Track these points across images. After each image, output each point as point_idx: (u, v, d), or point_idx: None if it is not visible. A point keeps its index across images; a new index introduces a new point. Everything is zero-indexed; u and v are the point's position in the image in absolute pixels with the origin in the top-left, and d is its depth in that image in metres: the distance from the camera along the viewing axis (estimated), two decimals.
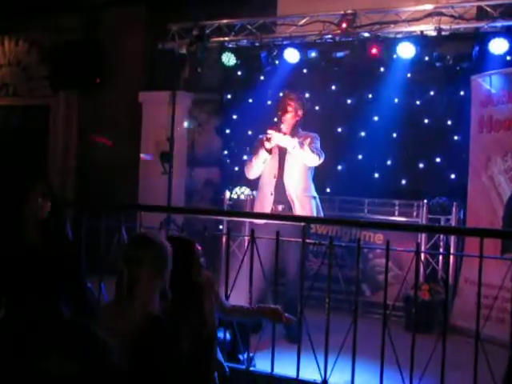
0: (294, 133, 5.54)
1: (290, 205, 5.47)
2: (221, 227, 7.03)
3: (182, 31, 7.88)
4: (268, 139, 5.43)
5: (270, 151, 5.48)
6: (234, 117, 8.21)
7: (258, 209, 5.65)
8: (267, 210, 5.50)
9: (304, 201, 5.48)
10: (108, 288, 4.75)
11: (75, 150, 9.48)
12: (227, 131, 8.28)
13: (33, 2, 8.83)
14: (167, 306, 2.89)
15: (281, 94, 6.03)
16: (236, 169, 7.92)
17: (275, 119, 5.74)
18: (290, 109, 5.55)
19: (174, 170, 6.91)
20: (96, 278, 4.70)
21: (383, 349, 4.00)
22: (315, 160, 5.45)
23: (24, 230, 3.21)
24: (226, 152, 8.31)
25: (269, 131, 5.44)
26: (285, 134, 5.47)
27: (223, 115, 8.42)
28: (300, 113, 5.62)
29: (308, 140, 5.50)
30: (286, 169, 5.52)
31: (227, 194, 7.37)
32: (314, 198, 5.60)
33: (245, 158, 7.21)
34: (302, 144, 5.41)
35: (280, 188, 5.51)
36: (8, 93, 10.13)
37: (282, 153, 5.54)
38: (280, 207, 5.51)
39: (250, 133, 7.78)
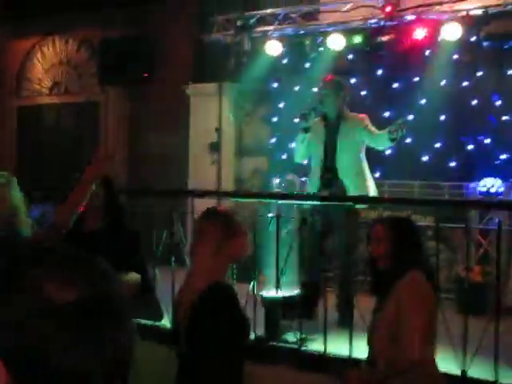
0: (341, 115, 5.48)
1: (342, 189, 5.41)
2: (270, 215, 7.10)
3: (227, 22, 7.96)
4: (303, 117, 5.38)
5: (306, 130, 5.43)
6: (281, 105, 8.25)
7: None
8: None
9: (358, 183, 5.43)
10: (162, 274, 4.91)
11: (126, 143, 9.69)
12: (274, 120, 8.33)
13: (80, 0, 9.04)
14: None
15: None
16: (284, 157, 7.95)
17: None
18: (328, 92, 5.51)
19: (222, 160, 7.01)
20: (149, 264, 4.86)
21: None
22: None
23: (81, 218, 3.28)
24: (273, 140, 8.36)
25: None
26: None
27: (270, 104, 8.46)
28: (341, 94, 5.55)
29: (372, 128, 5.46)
30: (337, 152, 5.44)
31: (276, 181, 7.44)
32: (370, 179, 5.54)
33: (293, 145, 7.24)
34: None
35: (330, 172, 5.46)
36: (59, 91, 10.40)
37: (330, 134, 5.49)
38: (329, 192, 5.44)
39: (296, 120, 7.78)
